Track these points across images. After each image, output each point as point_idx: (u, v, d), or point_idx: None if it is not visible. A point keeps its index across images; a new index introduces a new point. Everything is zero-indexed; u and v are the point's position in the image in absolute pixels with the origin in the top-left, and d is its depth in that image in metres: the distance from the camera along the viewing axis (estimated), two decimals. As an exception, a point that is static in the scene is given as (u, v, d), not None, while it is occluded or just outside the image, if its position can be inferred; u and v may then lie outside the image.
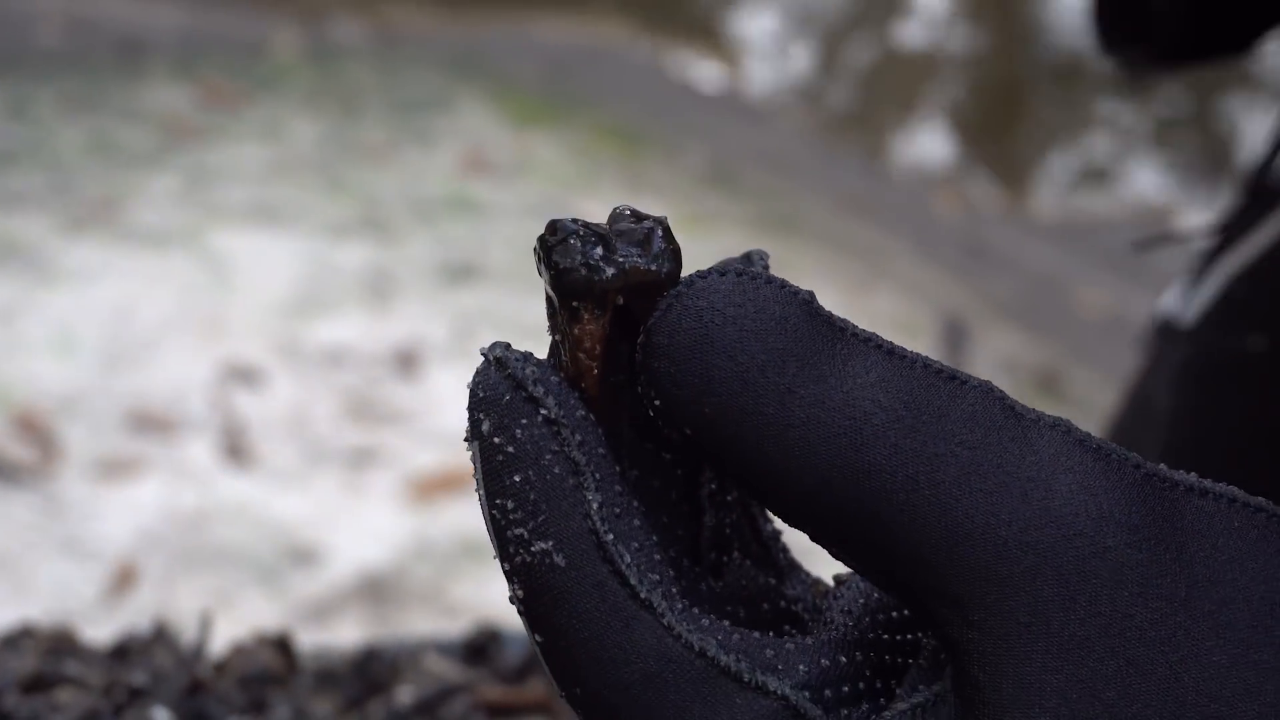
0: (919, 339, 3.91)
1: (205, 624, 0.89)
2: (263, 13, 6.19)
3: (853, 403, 0.32)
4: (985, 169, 5.45)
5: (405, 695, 0.90)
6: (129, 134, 4.79)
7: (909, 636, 0.35)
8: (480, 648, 1.00)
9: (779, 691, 0.32)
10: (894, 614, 0.35)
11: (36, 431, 3.02)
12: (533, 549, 0.32)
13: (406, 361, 3.50)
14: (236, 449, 3.06)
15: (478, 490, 0.34)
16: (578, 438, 0.33)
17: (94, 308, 3.54)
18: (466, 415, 0.34)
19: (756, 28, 6.16)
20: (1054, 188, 5.47)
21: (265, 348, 3.48)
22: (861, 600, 0.36)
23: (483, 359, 0.35)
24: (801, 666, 0.33)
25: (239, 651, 0.90)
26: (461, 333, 3.64)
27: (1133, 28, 0.84)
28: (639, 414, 0.35)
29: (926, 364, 0.33)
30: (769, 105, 5.81)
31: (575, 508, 0.32)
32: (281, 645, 0.92)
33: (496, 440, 0.33)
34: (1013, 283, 4.58)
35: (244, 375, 3.33)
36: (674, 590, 0.33)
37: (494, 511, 0.33)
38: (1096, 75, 5.87)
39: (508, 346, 0.34)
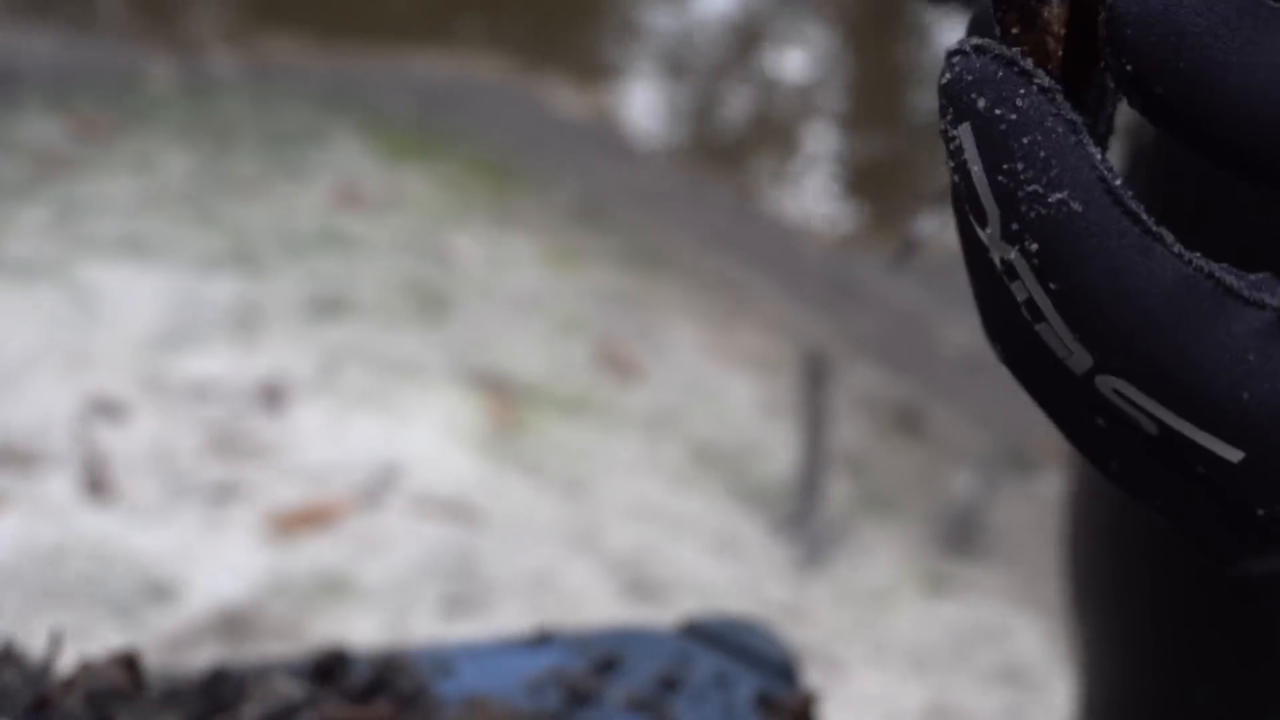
0: (780, 375, 3.98)
1: (54, 642, 0.91)
2: (138, 45, 6.15)
3: None
4: (852, 206, 5.55)
5: (251, 713, 0.93)
6: (-3, 165, 4.76)
7: None
8: (328, 669, 1.03)
9: (1275, 304, 0.36)
10: None
11: (-106, 463, 2.99)
12: (1049, 200, 0.35)
13: (272, 396, 3.50)
14: (98, 484, 3.05)
15: (966, 170, 0.37)
16: (1068, 103, 0.36)
17: (-44, 339, 3.52)
18: (949, 101, 0.37)
19: (632, 64, 6.22)
20: (921, 225, 5.56)
21: (130, 381, 3.47)
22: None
23: (957, 56, 0.37)
24: (1276, 288, 0.37)
25: (86, 669, 0.92)
26: (328, 367, 3.66)
27: None
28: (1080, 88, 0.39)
29: None
30: (641, 141, 5.89)
31: (1083, 160, 0.36)
32: (129, 663, 0.94)
33: (998, 111, 0.36)
34: (876, 319, 4.67)
35: (107, 409, 3.32)
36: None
37: (1001, 178, 0.36)
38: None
39: (983, 39, 0.37)
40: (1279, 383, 0.35)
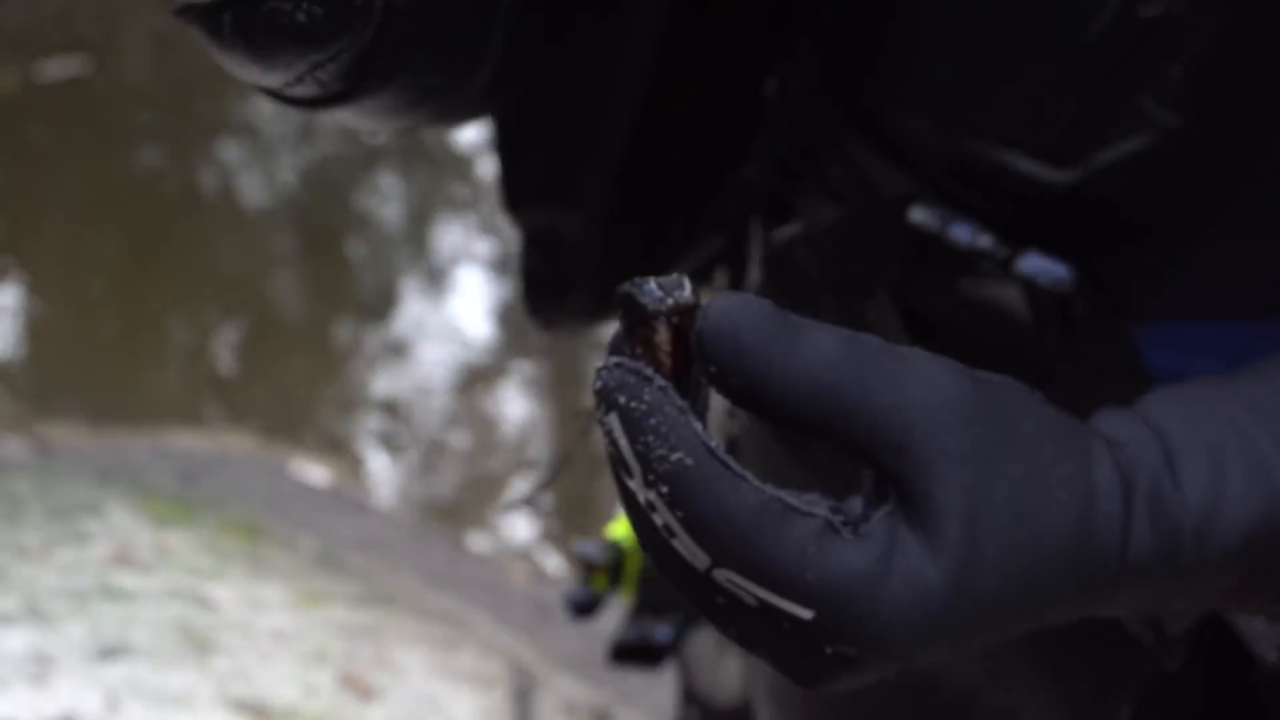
0: (496, 689, 4.34)
1: None
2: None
3: (823, 350, 0.47)
4: (548, 543, 5.74)
5: None
6: None
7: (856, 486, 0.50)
8: None
9: (823, 515, 0.47)
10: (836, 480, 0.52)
11: None
12: (671, 459, 0.46)
13: (66, 729, 3.69)
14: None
15: (617, 443, 0.48)
16: (677, 394, 0.47)
17: None
18: (602, 399, 0.48)
19: (362, 433, 6.67)
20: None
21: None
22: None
23: (603, 369, 0.48)
24: (824, 502, 0.48)
25: None
26: (112, 703, 3.98)
27: (556, 292, 0.98)
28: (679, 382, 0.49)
29: (851, 333, 0.49)
30: (372, 498, 6.07)
31: (690, 432, 0.46)
32: None
33: (633, 405, 0.47)
34: (573, 638, 4.83)
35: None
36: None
37: (639, 446, 0.47)
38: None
39: (619, 357, 0.48)
40: (828, 563, 0.47)
